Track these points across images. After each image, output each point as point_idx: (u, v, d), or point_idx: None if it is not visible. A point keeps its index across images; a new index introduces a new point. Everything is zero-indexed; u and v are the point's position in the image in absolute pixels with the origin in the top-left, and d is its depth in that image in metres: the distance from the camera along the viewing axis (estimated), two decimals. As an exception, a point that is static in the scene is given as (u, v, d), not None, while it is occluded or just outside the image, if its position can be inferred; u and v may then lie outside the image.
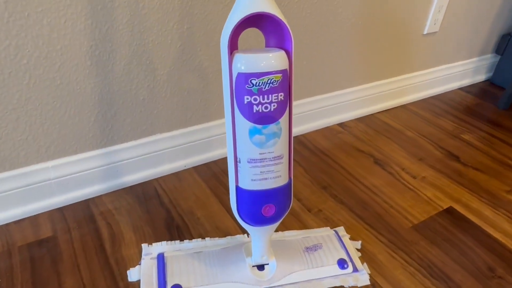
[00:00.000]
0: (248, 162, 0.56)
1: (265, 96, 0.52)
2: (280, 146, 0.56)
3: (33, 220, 0.77)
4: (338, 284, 0.68)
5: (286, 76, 0.53)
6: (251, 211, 0.59)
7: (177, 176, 0.92)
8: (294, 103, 1.05)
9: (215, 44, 0.83)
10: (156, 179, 0.91)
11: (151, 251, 0.72)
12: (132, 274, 0.67)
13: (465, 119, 1.28)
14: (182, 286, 0.64)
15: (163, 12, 0.74)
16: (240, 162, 0.57)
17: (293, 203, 0.87)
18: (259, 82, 0.51)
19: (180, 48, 0.79)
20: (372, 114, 1.27)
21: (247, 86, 0.52)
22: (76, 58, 0.69)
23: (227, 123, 0.56)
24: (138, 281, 0.66)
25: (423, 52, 1.29)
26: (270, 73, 0.51)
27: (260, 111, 0.53)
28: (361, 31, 1.07)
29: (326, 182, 0.94)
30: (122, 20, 0.70)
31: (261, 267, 0.68)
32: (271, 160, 0.56)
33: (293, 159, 1.03)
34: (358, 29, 1.06)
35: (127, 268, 0.69)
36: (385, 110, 1.30)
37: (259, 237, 0.64)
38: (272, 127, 0.54)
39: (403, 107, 1.34)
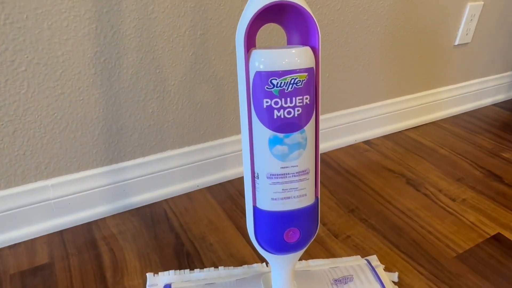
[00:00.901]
0: (267, 178, 0.47)
1: (288, 99, 0.44)
2: (305, 159, 0.47)
3: (29, 245, 0.70)
4: (374, 325, 0.58)
5: (313, 76, 0.45)
6: (271, 237, 0.50)
7: (188, 197, 0.84)
8: (316, 118, 0.97)
9: (231, 52, 0.77)
10: (166, 200, 0.83)
11: (156, 281, 0.63)
12: (134, 309, 0.59)
13: (503, 136, 1.17)
14: (191, 324, 0.55)
15: (174, 16, 0.68)
16: (258, 178, 0.48)
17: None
18: (281, 83, 0.44)
19: (192, 57, 0.73)
20: (400, 131, 1.18)
21: (267, 87, 0.44)
22: (79, 65, 0.64)
23: (243, 131, 0.48)
24: (141, 318, 0.57)
25: (454, 64, 1.20)
26: (293, 72, 0.44)
27: (282, 116, 0.45)
28: (388, 41, 1.00)
29: (354, 205, 0.85)
30: (129, 25, 0.65)
31: (282, 303, 0.58)
32: (295, 176, 0.47)
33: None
34: (385, 38, 0.99)
35: (128, 302, 0.60)
36: (414, 127, 1.20)
37: (281, 267, 0.55)
38: (296, 136, 0.46)
39: (434, 123, 1.24)
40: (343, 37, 0.91)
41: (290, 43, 0.50)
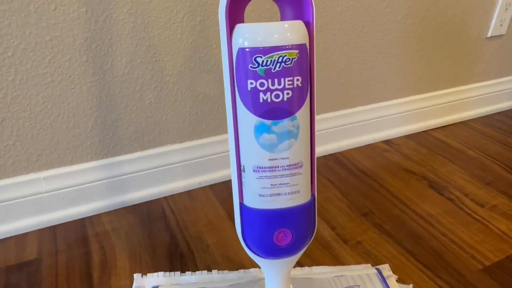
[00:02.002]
0: (254, 171, 0.42)
1: (276, 80, 0.39)
2: (297, 151, 0.41)
3: (19, 240, 0.67)
4: None
5: (305, 54, 0.39)
6: (259, 238, 0.44)
7: (189, 194, 0.80)
8: (329, 114, 0.91)
9: (234, 41, 0.72)
10: (165, 198, 0.79)
11: (144, 283, 0.58)
12: (117, 312, 0.54)
13: (542, 138, 1.06)
14: (174, 332, 0.50)
15: (170, 0, 0.64)
16: (244, 172, 0.43)
17: (325, 232, 0.71)
18: (267, 61, 0.38)
19: (192, 45, 0.69)
20: (424, 131, 1.08)
21: (251, 67, 0.38)
22: (69, 52, 0.60)
23: (228, 118, 0.43)
24: (122, 322, 0.53)
25: (486, 59, 1.10)
26: (281, 48, 0.38)
27: (269, 100, 0.39)
28: (410, 31, 0.92)
29: (368, 208, 0.77)
30: (122, 9, 0.61)
31: (278, 313, 0.52)
32: (285, 169, 0.42)
33: (327, 179, 0.88)
34: (406, 29, 0.91)
35: (112, 304, 0.56)
36: (440, 127, 1.11)
37: (273, 273, 0.49)
38: (285, 124, 0.40)
39: (462, 123, 1.14)
40: (359, 26, 0.85)
41: (283, 19, 0.44)
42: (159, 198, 0.78)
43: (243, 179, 0.43)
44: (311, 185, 0.45)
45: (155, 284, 0.58)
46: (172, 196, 0.79)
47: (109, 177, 0.72)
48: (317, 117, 0.88)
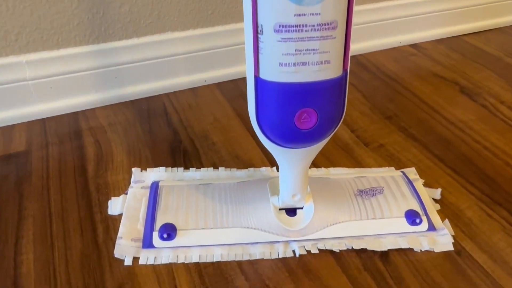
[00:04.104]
0: (276, 31, 0.33)
1: None
2: (332, 5, 0.32)
3: (5, 131, 0.61)
4: (405, 246, 0.46)
5: None
6: (277, 119, 0.37)
7: (193, 92, 0.72)
8: (354, 7, 0.78)
9: None
10: (167, 94, 0.71)
11: (143, 178, 0.53)
12: (114, 206, 0.49)
13: None
14: (177, 226, 0.45)
15: None
16: (262, 34, 0.34)
17: (345, 134, 0.64)
18: None
19: None
20: (457, 36, 0.97)
21: None
22: None
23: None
24: (120, 215, 0.48)
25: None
26: None
27: None
28: None
29: (392, 112, 0.69)
30: None
31: (291, 212, 0.47)
32: (315, 29, 0.33)
33: (349, 82, 0.78)
34: None
35: (109, 198, 0.51)
36: (475, 33, 0.99)
37: (290, 166, 0.43)
38: (320, -37, 0.30)
39: (500, 30, 1.01)
40: None
41: None
42: (160, 95, 0.70)
43: (260, 44, 0.34)
44: (344, 57, 0.36)
45: (156, 179, 0.52)
46: (174, 93, 0.71)
47: (103, 66, 0.64)
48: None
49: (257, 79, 0.36)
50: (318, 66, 0.34)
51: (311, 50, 0.33)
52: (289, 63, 0.34)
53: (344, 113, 0.39)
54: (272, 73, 0.35)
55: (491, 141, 0.63)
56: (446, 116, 0.69)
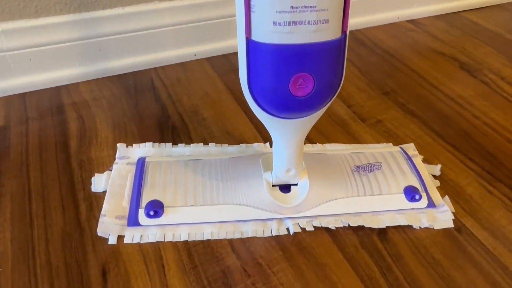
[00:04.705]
0: (268, -14, 0.30)
1: None
2: (331, -45, 0.29)
3: (-18, 105, 0.58)
4: (403, 223, 0.44)
5: None
6: (271, 86, 0.34)
7: (183, 66, 0.68)
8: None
9: None
10: (155, 69, 0.67)
11: (129, 153, 0.50)
12: (97, 182, 0.47)
13: None
14: (164, 203, 0.43)
15: None
16: (254, -11, 0.31)
17: (340, 109, 0.61)
18: None
19: None
20: (456, 13, 0.94)
21: None
22: None
23: None
24: (104, 193, 0.45)
25: None
26: None
27: None
28: None
29: (390, 87, 0.67)
30: None
31: (285, 188, 0.45)
32: (312, -16, 0.30)
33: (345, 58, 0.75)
34: None
35: (92, 175, 0.48)
36: (475, 9, 0.96)
37: (285, 138, 0.40)
38: None
39: (500, 6, 0.98)
40: None
41: None
42: (147, 69, 0.67)
43: (252, 2, 0.31)
44: (343, 18, 0.33)
45: (142, 155, 0.50)
46: (162, 67, 0.68)
47: (86, 38, 0.60)
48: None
49: (248, 41, 0.33)
50: (316, 26, 0.31)
51: (308, 7, 0.30)
52: (284, 22, 0.31)
53: (342, 80, 0.36)
54: (265, 34, 0.32)
55: (491, 117, 0.61)
56: (445, 92, 0.66)
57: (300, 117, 0.37)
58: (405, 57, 0.75)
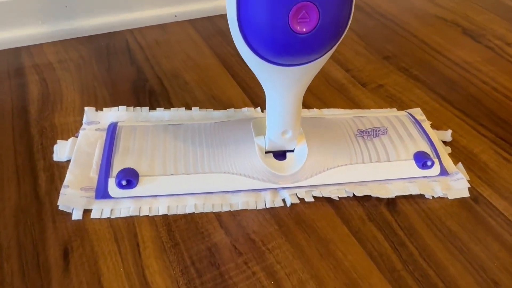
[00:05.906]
0: None
1: None
2: None
3: None
4: (415, 192, 0.39)
5: None
6: (266, 19, 0.28)
7: (162, 28, 0.61)
8: None
9: None
10: (131, 30, 0.60)
11: (98, 118, 0.43)
12: (60, 150, 0.40)
13: None
14: (139, 172, 0.36)
15: None
16: None
17: (338, 73, 0.55)
18: None
19: None
20: (455, -21, 0.88)
21: None
22: None
23: None
24: (68, 162, 0.39)
25: None
26: None
27: None
28: None
29: (390, 52, 0.61)
30: None
31: (280, 156, 0.39)
32: None
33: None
34: None
35: (55, 142, 0.41)
36: (474, -23, 0.91)
37: (281, 92, 0.34)
38: None
39: (499, -25, 0.94)
40: None
41: None
42: (122, 31, 0.60)
43: None
44: None
45: (114, 120, 0.43)
46: (139, 29, 0.61)
47: (49, -9, 0.52)
48: None
49: (238, -38, 0.27)
50: None
51: None
52: None
53: (351, 17, 0.30)
54: (259, -49, 0.26)
55: (500, 83, 0.56)
56: (449, 57, 0.61)
57: (300, 63, 0.31)
58: (404, 22, 0.70)
